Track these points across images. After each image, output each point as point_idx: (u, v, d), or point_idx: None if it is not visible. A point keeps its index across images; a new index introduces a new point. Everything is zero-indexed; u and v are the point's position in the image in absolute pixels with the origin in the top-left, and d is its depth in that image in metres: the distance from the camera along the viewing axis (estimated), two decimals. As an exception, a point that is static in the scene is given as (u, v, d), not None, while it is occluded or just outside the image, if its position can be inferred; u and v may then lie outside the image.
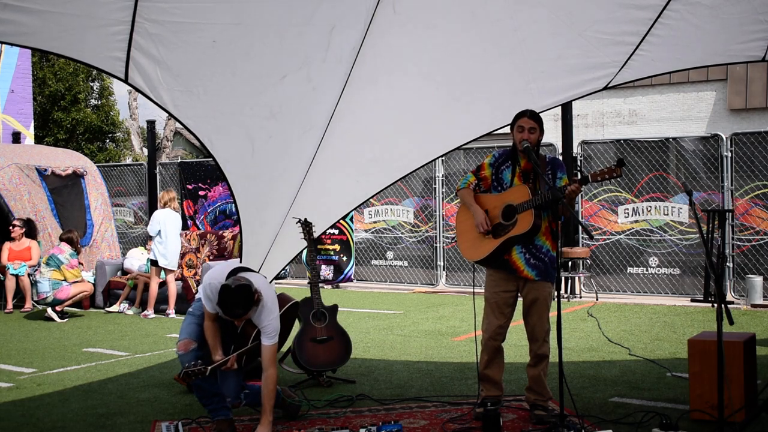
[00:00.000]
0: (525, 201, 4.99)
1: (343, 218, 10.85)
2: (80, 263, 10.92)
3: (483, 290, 5.29)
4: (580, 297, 11.56)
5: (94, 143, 24.94)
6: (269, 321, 4.84)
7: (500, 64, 6.12)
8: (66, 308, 10.52)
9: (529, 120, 5.12)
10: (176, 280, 11.15)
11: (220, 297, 4.62)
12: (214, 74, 5.47)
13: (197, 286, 10.66)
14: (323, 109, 6.16)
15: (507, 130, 6.28)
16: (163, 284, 10.69)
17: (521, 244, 5.04)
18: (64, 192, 12.60)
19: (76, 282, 10.67)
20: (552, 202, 4.89)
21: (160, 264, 10.45)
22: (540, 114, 5.31)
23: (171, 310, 10.55)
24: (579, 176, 4.96)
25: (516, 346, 7.06)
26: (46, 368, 7.23)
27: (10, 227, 11.34)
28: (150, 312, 10.53)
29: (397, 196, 13.47)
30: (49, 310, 10.34)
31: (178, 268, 11.52)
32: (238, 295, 4.59)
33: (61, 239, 10.95)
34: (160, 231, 10.37)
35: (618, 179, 11.42)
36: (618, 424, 4.90)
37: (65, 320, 10.28)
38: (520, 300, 5.19)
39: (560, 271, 5.07)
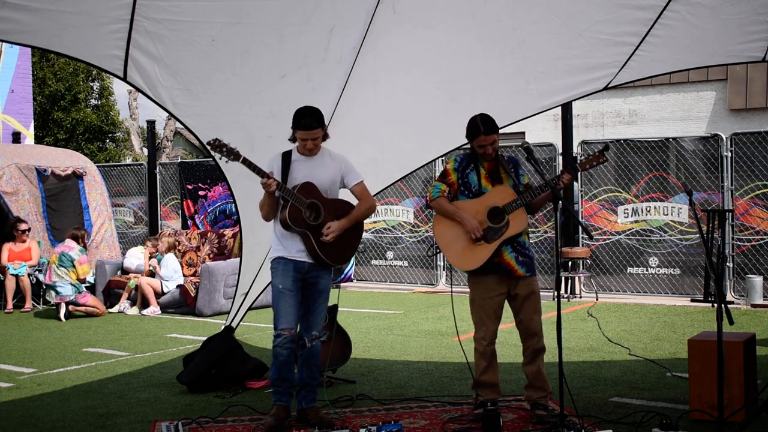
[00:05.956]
0: (512, 201, 4.98)
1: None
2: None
3: (470, 300, 5.16)
4: (580, 297, 11.55)
5: (94, 143, 24.92)
6: (345, 159, 5.20)
7: (500, 64, 6.12)
8: (73, 310, 10.49)
9: (487, 137, 5.01)
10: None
11: (295, 115, 4.97)
12: (213, 73, 5.47)
13: (196, 289, 10.66)
14: (323, 109, 6.14)
15: (507, 130, 6.28)
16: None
17: (509, 243, 5.04)
18: (60, 195, 12.59)
19: (93, 296, 10.85)
20: (554, 201, 4.89)
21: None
22: (540, 114, 5.30)
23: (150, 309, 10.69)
24: (568, 167, 4.99)
25: (516, 345, 7.04)
26: (46, 368, 7.22)
27: (16, 232, 11.31)
28: (148, 310, 10.58)
29: (397, 196, 13.47)
30: (64, 305, 10.34)
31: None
32: (309, 108, 5.01)
33: (68, 236, 10.95)
34: None
35: (618, 179, 11.44)
36: (618, 424, 4.90)
37: (66, 321, 10.27)
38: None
39: (560, 271, 5.07)
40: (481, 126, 5.01)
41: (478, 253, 5.01)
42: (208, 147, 4.91)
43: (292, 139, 5.10)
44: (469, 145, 5.25)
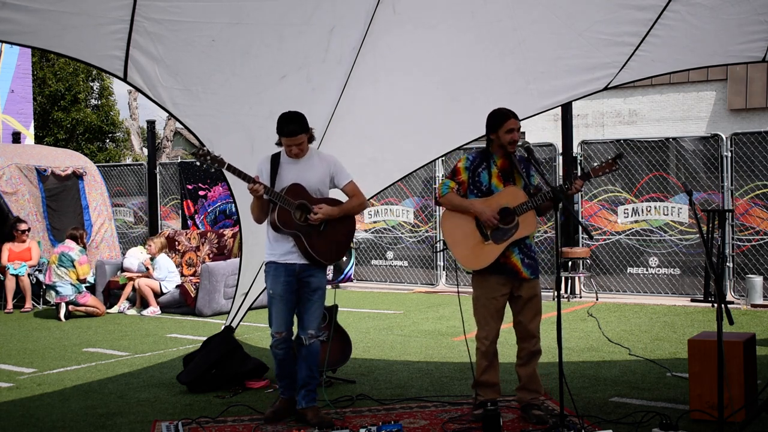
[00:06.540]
0: (523, 203, 4.96)
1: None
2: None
3: (474, 298, 5.15)
4: (580, 297, 11.55)
5: (94, 143, 24.92)
6: (334, 159, 5.21)
7: (500, 64, 6.12)
8: (73, 310, 10.48)
9: (516, 121, 5.06)
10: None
11: (278, 121, 4.98)
12: (213, 73, 5.48)
13: (196, 289, 10.65)
14: (323, 110, 6.17)
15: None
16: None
17: (517, 245, 5.03)
18: (60, 196, 12.58)
19: (93, 296, 10.86)
20: (554, 202, 4.88)
21: None
22: (540, 114, 5.30)
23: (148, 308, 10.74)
24: (580, 173, 4.96)
25: (515, 346, 7.05)
26: (46, 368, 7.23)
27: (16, 232, 11.30)
28: (148, 311, 10.58)
29: (397, 196, 13.47)
30: (64, 305, 10.34)
31: (178, 266, 11.54)
32: (293, 114, 5.00)
33: (66, 236, 10.95)
34: None
35: (618, 179, 11.44)
36: (618, 424, 4.90)
37: (66, 320, 10.27)
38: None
39: (560, 271, 5.06)
40: (507, 111, 5.05)
41: (487, 252, 5.00)
42: (194, 157, 4.95)
43: (279, 143, 5.12)
44: (470, 145, 5.24)
